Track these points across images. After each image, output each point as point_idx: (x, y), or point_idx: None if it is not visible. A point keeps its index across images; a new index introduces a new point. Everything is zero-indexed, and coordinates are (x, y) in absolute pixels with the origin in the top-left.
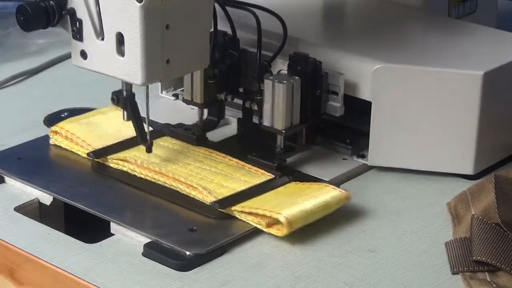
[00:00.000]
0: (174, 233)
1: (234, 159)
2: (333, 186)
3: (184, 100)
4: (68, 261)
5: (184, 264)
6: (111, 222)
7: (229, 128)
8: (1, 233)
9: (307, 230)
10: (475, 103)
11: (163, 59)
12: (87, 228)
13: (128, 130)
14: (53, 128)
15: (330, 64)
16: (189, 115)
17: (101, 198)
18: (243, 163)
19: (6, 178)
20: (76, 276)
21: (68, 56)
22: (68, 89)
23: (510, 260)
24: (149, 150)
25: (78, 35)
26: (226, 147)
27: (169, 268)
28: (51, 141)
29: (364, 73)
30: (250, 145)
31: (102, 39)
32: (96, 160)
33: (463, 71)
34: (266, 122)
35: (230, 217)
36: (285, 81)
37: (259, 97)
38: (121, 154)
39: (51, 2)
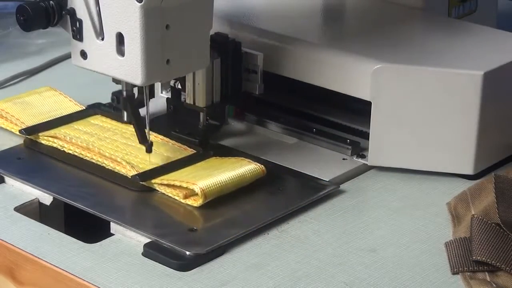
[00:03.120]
0: (174, 233)
1: (160, 136)
2: (249, 160)
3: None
4: (68, 261)
5: (184, 264)
6: (111, 222)
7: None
8: (1, 233)
9: (307, 230)
10: (475, 103)
11: (163, 59)
12: (87, 228)
13: (61, 110)
14: None
15: (329, 65)
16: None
17: (101, 198)
18: (167, 139)
19: (6, 178)
20: (76, 276)
21: (68, 56)
22: (68, 89)
23: (510, 260)
24: (149, 150)
25: (78, 35)
26: (153, 125)
27: (169, 268)
28: None
29: (364, 73)
30: (176, 122)
31: (102, 39)
32: (28, 137)
33: (463, 71)
34: (188, 100)
35: (151, 189)
36: None
37: (182, 76)
38: (52, 131)
39: (51, 2)
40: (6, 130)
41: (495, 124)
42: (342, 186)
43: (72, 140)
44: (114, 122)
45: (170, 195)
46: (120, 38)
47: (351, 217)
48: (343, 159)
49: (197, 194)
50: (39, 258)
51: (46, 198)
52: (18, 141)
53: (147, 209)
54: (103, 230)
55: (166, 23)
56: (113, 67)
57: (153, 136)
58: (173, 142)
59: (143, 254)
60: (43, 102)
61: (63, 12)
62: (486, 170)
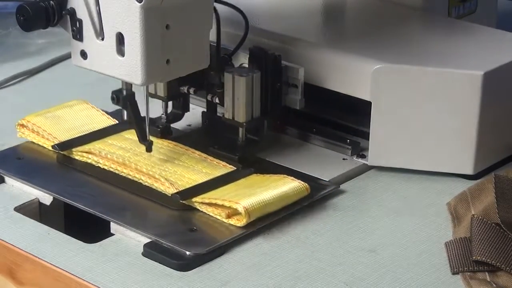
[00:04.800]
0: (174, 233)
1: (197, 151)
2: (293, 178)
3: (148, 94)
4: (68, 261)
5: (184, 264)
6: (111, 222)
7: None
8: (1, 233)
9: (307, 230)
10: (475, 103)
11: (163, 59)
12: (87, 228)
13: (94, 124)
14: (20, 121)
15: (329, 65)
16: (189, 115)
17: (101, 198)
18: (205, 155)
19: (6, 178)
20: (76, 276)
21: (68, 56)
22: (68, 89)
23: (510, 260)
24: (149, 149)
25: (78, 35)
26: (189, 139)
27: (169, 268)
28: (18, 135)
29: (364, 73)
30: (213, 137)
31: (102, 39)
32: (61, 152)
33: (463, 71)
34: (227, 115)
35: (191, 208)
36: (245, 74)
37: (220, 90)
38: (85, 146)
39: (51, 2)
40: (38, 144)
41: (495, 124)
42: (342, 186)
43: (108, 155)
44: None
45: (211, 214)
46: (120, 38)
47: (351, 217)
48: (343, 159)
49: (240, 214)
50: (39, 258)
51: (46, 198)
52: (18, 141)
53: (147, 209)
54: (103, 230)
55: (166, 23)
56: (113, 67)
57: (190, 152)
58: (211, 158)
59: (143, 254)
60: (75, 116)
61: (63, 12)
62: (486, 170)
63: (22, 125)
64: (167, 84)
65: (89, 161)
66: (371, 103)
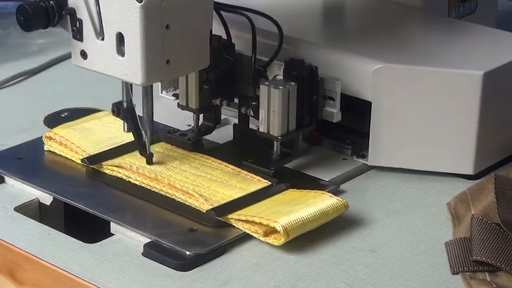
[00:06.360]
0: (174, 233)
1: (230, 166)
2: (330, 194)
3: (179, 106)
4: (68, 261)
5: (184, 264)
6: (111, 222)
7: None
8: (1, 233)
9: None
10: (475, 103)
11: (163, 59)
12: (87, 228)
13: (122, 137)
14: (47, 134)
15: (329, 66)
16: (189, 114)
17: (101, 198)
18: (239, 169)
19: (6, 178)
20: (76, 276)
21: (68, 56)
22: (68, 89)
23: (510, 260)
24: (150, 161)
25: (78, 35)
26: (221, 153)
27: (169, 268)
28: (46, 147)
29: (364, 73)
30: (246, 150)
31: (102, 39)
32: (90, 166)
33: (463, 71)
34: (262, 128)
35: (227, 225)
36: (281, 87)
37: (255, 103)
38: (116, 160)
39: (51, 2)
40: (66, 158)
41: (495, 124)
42: (342, 186)
43: (139, 170)
44: (180, 150)
45: (248, 231)
46: (120, 38)
47: (351, 217)
48: (343, 159)
49: (278, 232)
50: (39, 258)
51: (46, 198)
52: (18, 140)
53: (147, 209)
54: (103, 230)
55: (166, 23)
56: (113, 67)
57: (223, 166)
58: (245, 172)
59: (143, 254)
60: (103, 128)
61: (63, 12)
62: (486, 170)
63: (50, 138)
64: (199, 97)
65: (119, 175)
66: (371, 103)
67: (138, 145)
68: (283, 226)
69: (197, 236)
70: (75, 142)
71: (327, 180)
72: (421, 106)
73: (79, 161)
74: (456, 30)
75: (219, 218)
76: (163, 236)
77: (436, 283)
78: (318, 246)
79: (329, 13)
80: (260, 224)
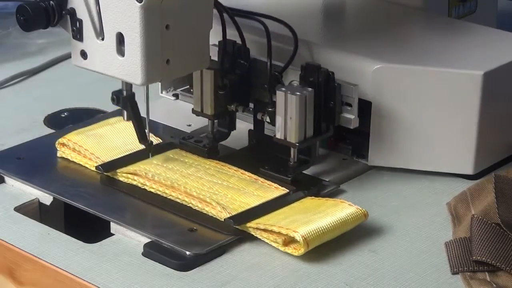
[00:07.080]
0: (174, 233)
1: (247, 173)
2: (350, 203)
3: (193, 112)
4: (68, 261)
5: (184, 264)
6: (111, 222)
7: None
8: (1, 233)
9: None
10: (475, 103)
11: (163, 59)
12: (87, 228)
13: (136, 143)
14: (60, 140)
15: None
16: (189, 115)
17: (101, 198)
18: (256, 176)
19: (6, 178)
20: (76, 276)
21: (68, 56)
22: (68, 89)
23: (510, 260)
24: (149, 150)
25: (78, 35)
26: (237, 159)
27: (169, 268)
28: (59, 154)
29: (364, 73)
30: (262, 157)
31: (102, 39)
32: (105, 174)
33: (463, 71)
34: (279, 135)
35: (245, 233)
36: (298, 93)
37: (271, 109)
38: (130, 168)
39: (51, 2)
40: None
41: (495, 124)
42: (342, 186)
43: (155, 177)
44: (195, 157)
45: (267, 241)
46: (120, 38)
47: None
48: (343, 159)
49: (298, 242)
50: (39, 258)
51: (46, 198)
52: (18, 140)
53: (147, 209)
54: (103, 230)
55: (166, 23)
56: (113, 67)
57: (239, 173)
58: (263, 180)
59: (143, 254)
60: (117, 134)
61: (63, 12)
62: (486, 170)
63: (63, 144)
64: (214, 102)
65: (134, 182)
66: (371, 103)
67: (138, 133)
68: (303, 236)
69: (197, 236)
70: (88, 149)
71: (327, 180)
72: (421, 106)
73: (93, 168)
74: (456, 30)
75: (237, 227)
76: (163, 236)
77: (436, 283)
78: (318, 246)
79: (329, 13)
80: (279, 233)
